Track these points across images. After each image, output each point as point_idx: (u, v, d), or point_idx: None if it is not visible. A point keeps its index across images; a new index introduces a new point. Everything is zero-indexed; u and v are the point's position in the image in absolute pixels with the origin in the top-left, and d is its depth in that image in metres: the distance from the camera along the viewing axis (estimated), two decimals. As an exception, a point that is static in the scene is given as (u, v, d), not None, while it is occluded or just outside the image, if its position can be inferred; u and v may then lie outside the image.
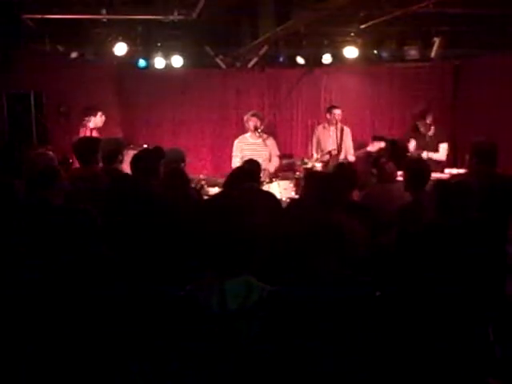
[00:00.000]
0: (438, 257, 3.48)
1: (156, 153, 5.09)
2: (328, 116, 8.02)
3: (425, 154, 7.37)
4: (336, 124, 7.80)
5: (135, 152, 7.42)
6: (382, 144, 7.56)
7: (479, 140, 4.92)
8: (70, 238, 2.91)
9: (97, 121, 7.50)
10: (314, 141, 8.20)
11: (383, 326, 3.42)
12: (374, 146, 7.61)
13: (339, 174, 4.71)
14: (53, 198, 4.13)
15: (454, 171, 6.93)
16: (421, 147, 7.51)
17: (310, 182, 4.70)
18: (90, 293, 2.76)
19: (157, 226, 3.80)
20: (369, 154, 7.66)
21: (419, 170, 4.70)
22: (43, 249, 2.90)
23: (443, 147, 7.54)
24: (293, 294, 1.96)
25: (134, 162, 4.76)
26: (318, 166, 7.85)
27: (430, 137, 7.54)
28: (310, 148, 8.28)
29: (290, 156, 8.69)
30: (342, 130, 7.91)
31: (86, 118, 7.44)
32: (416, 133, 7.64)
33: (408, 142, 7.67)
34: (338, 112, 7.92)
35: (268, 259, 2.90)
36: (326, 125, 8.07)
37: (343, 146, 7.92)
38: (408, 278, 3.53)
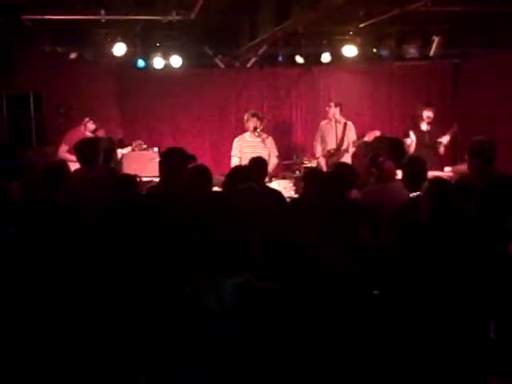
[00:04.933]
0: (436, 256, 3.48)
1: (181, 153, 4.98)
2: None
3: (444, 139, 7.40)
4: (335, 120, 7.86)
5: (136, 152, 7.55)
6: (378, 132, 7.62)
7: (477, 139, 4.92)
8: (72, 239, 2.92)
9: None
10: (318, 135, 8.25)
11: (383, 324, 3.43)
12: (370, 136, 7.66)
13: (336, 173, 4.72)
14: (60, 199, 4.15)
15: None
16: (418, 142, 7.51)
17: (309, 181, 4.71)
18: (88, 294, 2.77)
19: (156, 226, 3.80)
20: (365, 143, 7.73)
21: (415, 168, 4.72)
22: (47, 248, 2.90)
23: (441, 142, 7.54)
24: (292, 292, 1.98)
25: (161, 161, 4.71)
26: (322, 164, 7.90)
27: (428, 132, 7.53)
28: (315, 143, 8.32)
29: (290, 155, 8.69)
30: (345, 126, 7.94)
31: (87, 120, 7.44)
32: (415, 129, 7.64)
33: (407, 136, 7.66)
34: (328, 109, 8.00)
35: (266, 257, 2.92)
36: (329, 120, 8.14)
37: (346, 141, 7.93)
38: (407, 276, 3.54)
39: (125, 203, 4.16)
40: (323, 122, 8.27)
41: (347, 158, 7.78)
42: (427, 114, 7.56)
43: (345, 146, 7.91)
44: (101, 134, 7.45)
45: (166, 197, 4.33)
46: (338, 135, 7.85)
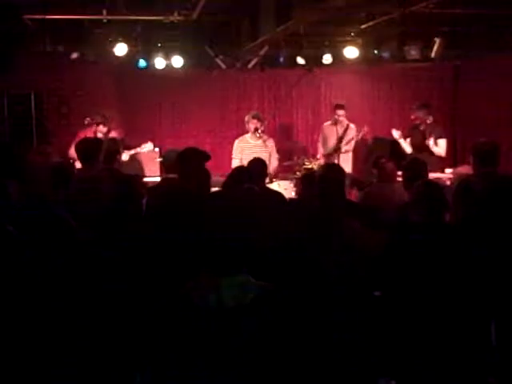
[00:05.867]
0: (430, 259, 3.47)
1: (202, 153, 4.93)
2: (334, 115, 8.13)
3: (431, 142, 7.35)
4: (339, 123, 7.91)
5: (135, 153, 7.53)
6: (366, 128, 7.91)
7: (480, 141, 4.91)
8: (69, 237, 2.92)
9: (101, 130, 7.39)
10: (321, 138, 8.27)
11: (384, 326, 3.43)
12: (359, 134, 7.96)
13: (327, 174, 4.72)
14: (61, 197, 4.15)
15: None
16: (418, 143, 7.50)
17: (304, 184, 4.71)
18: (84, 293, 2.77)
19: (155, 225, 3.80)
20: (356, 141, 8.01)
21: (416, 170, 4.71)
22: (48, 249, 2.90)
23: (441, 143, 7.51)
24: (289, 292, 1.98)
25: (182, 160, 4.68)
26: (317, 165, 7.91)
27: (428, 132, 7.51)
28: (318, 144, 8.36)
29: (291, 156, 8.69)
30: (346, 128, 7.96)
31: (87, 120, 7.35)
32: (414, 130, 7.64)
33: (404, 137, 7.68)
34: (340, 112, 8.05)
35: (265, 257, 2.92)
36: (333, 122, 8.14)
37: (344, 142, 7.94)
38: (402, 278, 3.53)
39: (126, 203, 4.15)
40: (326, 124, 8.29)
41: (347, 159, 7.79)
42: (429, 118, 7.55)
43: (343, 146, 7.92)
44: (114, 135, 7.30)
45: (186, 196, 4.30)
46: (337, 138, 7.90)
